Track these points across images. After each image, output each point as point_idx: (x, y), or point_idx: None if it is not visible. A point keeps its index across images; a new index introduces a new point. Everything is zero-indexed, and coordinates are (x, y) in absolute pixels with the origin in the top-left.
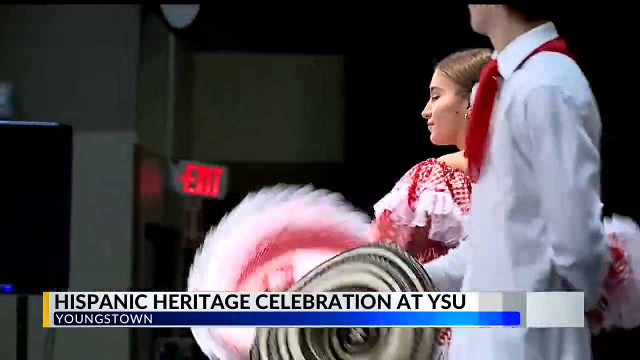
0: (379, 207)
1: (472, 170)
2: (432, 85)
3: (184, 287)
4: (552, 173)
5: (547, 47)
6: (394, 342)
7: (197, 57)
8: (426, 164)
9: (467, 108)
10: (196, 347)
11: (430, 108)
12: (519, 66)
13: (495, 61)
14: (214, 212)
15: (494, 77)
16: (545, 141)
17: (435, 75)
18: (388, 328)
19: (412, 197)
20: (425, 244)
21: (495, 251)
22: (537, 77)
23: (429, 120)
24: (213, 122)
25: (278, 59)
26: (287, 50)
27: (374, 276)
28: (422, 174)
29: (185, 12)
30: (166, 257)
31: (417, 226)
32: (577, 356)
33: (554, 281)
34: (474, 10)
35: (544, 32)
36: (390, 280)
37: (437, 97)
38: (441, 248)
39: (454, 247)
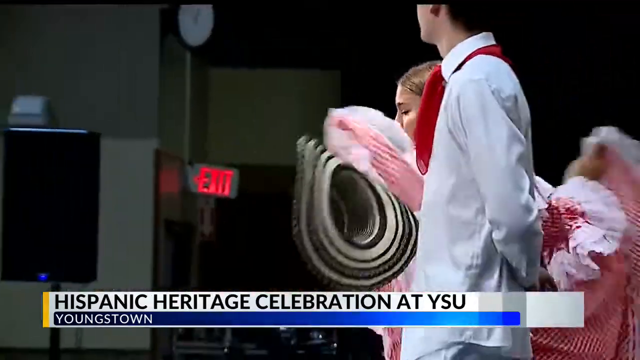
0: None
1: (419, 164)
2: (398, 101)
3: (199, 277)
4: (484, 155)
5: (482, 51)
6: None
7: (210, 72)
8: None
9: None
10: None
11: (401, 120)
12: (458, 68)
13: (439, 66)
14: (225, 209)
15: (439, 81)
16: (476, 127)
17: (399, 92)
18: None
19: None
20: None
21: (436, 231)
22: (469, 74)
23: None
24: (225, 129)
25: (282, 74)
26: (291, 66)
27: (385, 193)
28: None
29: (200, 31)
30: (183, 249)
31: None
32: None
33: (488, 257)
34: (423, 23)
35: (481, 39)
36: (394, 201)
37: (405, 112)
38: None
39: None
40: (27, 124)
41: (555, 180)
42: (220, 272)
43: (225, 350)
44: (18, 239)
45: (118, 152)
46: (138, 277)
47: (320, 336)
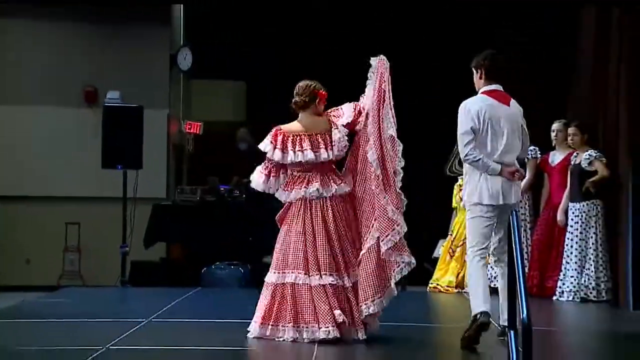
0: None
1: None
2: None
3: (189, 164)
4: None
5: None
6: None
7: (191, 81)
8: None
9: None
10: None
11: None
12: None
13: None
14: (198, 139)
15: None
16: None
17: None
18: None
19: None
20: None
21: None
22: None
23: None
24: (197, 106)
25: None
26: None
27: None
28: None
29: (186, 63)
30: (180, 154)
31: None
32: None
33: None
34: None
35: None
36: None
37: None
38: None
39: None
40: (113, 103)
41: None
42: (197, 162)
43: (198, 198)
44: (110, 150)
45: (151, 116)
46: (159, 162)
47: None
